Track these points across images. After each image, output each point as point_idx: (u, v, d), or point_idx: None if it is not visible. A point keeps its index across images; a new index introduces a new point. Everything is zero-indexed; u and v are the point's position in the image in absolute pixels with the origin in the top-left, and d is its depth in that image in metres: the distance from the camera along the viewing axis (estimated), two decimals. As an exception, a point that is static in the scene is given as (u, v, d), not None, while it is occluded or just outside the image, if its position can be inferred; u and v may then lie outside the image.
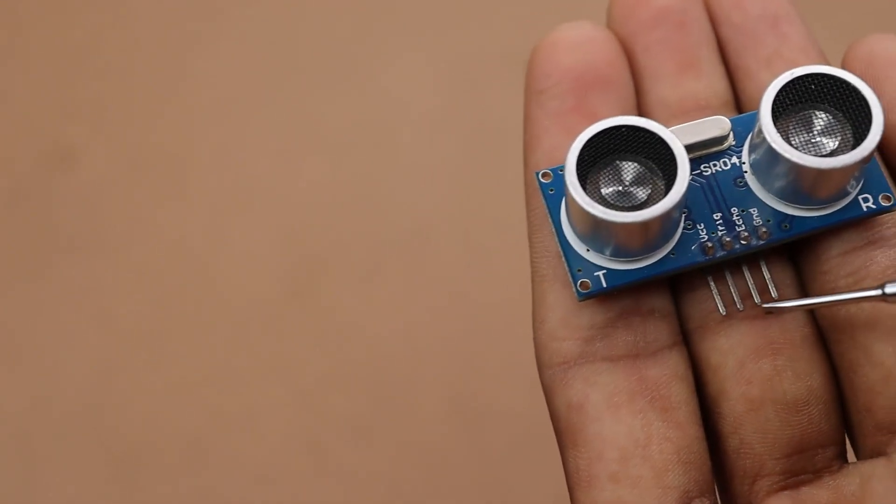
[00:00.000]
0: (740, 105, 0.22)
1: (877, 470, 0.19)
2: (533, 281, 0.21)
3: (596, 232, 0.19)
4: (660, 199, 0.19)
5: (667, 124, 0.21)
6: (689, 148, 0.20)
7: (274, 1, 0.51)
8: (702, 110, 0.22)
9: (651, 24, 0.22)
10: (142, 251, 0.46)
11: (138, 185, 0.47)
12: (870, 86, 0.20)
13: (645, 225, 0.19)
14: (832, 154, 0.20)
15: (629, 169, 0.20)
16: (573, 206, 0.19)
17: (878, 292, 0.19)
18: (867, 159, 0.19)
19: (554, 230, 0.20)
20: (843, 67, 0.22)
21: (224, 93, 0.49)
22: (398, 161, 0.47)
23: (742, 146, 0.21)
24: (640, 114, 0.22)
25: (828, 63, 0.22)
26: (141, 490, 0.42)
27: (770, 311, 0.20)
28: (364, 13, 0.50)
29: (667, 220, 0.19)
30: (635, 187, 0.19)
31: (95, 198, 0.47)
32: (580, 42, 0.22)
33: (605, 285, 0.20)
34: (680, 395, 0.20)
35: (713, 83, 0.22)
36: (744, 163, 0.21)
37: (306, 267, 0.45)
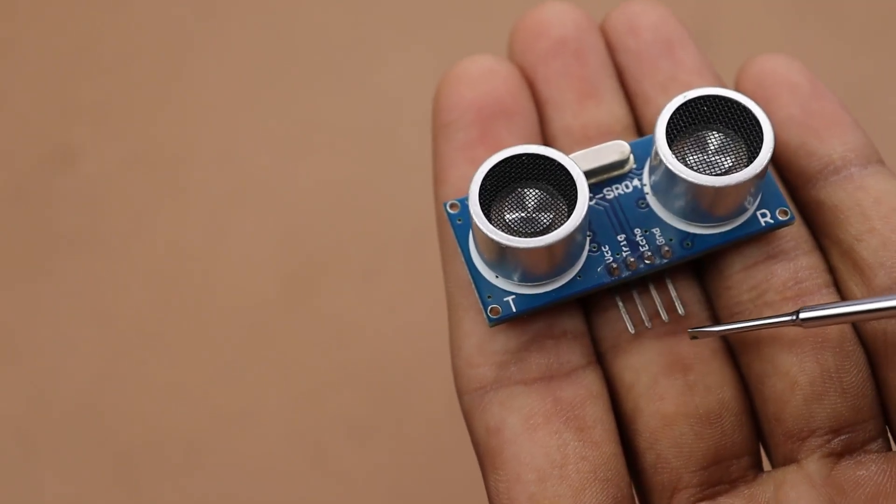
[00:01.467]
0: (641, 129, 0.23)
1: (788, 476, 0.20)
2: (449, 309, 0.21)
3: (502, 259, 0.20)
4: (563, 223, 0.19)
5: (571, 151, 0.22)
6: (591, 173, 0.21)
7: (273, 1, 0.51)
8: (604, 136, 0.22)
9: (550, 55, 0.23)
10: (141, 251, 0.45)
11: (138, 185, 0.47)
12: (760, 105, 0.21)
13: (549, 249, 0.19)
14: (728, 172, 0.20)
15: (532, 196, 0.20)
16: (479, 234, 0.19)
17: (792, 318, 0.19)
18: (761, 175, 0.20)
19: (464, 259, 0.21)
20: (736, 87, 0.22)
21: (224, 93, 0.49)
22: (398, 161, 0.46)
23: (643, 169, 0.21)
24: (546, 142, 0.23)
25: (722, 83, 0.23)
26: (140, 490, 0.41)
27: (695, 337, 0.20)
28: (363, 14, 0.50)
29: (570, 243, 0.19)
30: (538, 213, 0.20)
31: (95, 197, 0.47)
32: (482, 75, 0.22)
33: (514, 310, 0.20)
34: (595, 413, 0.20)
35: (613, 109, 0.23)
36: (645, 185, 0.21)
37: (306, 266, 0.44)
